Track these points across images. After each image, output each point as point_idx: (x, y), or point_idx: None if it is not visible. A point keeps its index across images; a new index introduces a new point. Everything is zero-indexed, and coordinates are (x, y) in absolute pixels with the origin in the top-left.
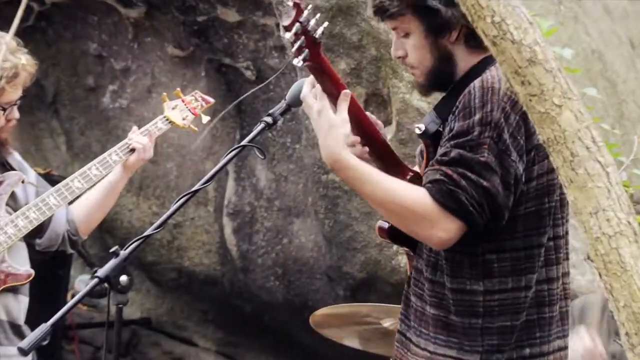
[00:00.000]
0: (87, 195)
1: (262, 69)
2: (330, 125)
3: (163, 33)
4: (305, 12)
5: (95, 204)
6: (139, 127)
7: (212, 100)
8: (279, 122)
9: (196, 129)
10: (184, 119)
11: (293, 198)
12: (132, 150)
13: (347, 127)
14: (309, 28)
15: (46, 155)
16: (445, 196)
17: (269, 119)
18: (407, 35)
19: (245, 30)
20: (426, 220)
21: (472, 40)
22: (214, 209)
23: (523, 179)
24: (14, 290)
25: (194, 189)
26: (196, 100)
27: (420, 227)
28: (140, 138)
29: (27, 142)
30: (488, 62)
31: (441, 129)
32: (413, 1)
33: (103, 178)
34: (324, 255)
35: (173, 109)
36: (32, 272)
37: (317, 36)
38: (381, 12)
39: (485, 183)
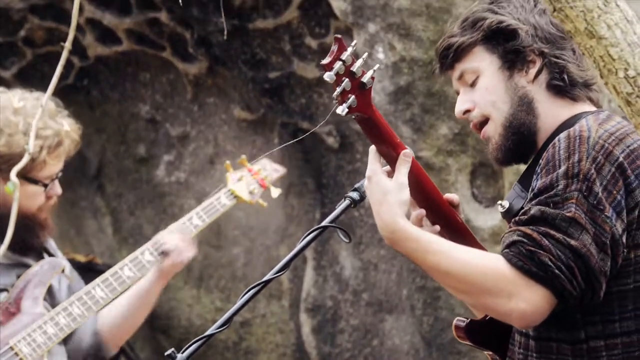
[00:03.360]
0: (115, 303)
1: (347, 135)
2: (384, 192)
3: (228, 92)
4: (349, 49)
5: (125, 314)
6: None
7: (283, 169)
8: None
9: (265, 203)
10: (251, 193)
11: (385, 290)
12: (164, 252)
13: (404, 192)
14: (354, 69)
15: (88, 240)
16: (524, 259)
17: (355, 195)
18: (475, 82)
19: (326, 88)
20: (503, 290)
21: (555, 81)
22: (289, 304)
23: (624, 242)
24: None
25: (265, 279)
26: (264, 169)
27: (497, 300)
28: (171, 237)
29: (65, 224)
30: (581, 117)
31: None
32: (488, 24)
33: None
34: None
35: (239, 180)
36: None
37: (364, 81)
38: (451, 52)
39: (573, 242)
